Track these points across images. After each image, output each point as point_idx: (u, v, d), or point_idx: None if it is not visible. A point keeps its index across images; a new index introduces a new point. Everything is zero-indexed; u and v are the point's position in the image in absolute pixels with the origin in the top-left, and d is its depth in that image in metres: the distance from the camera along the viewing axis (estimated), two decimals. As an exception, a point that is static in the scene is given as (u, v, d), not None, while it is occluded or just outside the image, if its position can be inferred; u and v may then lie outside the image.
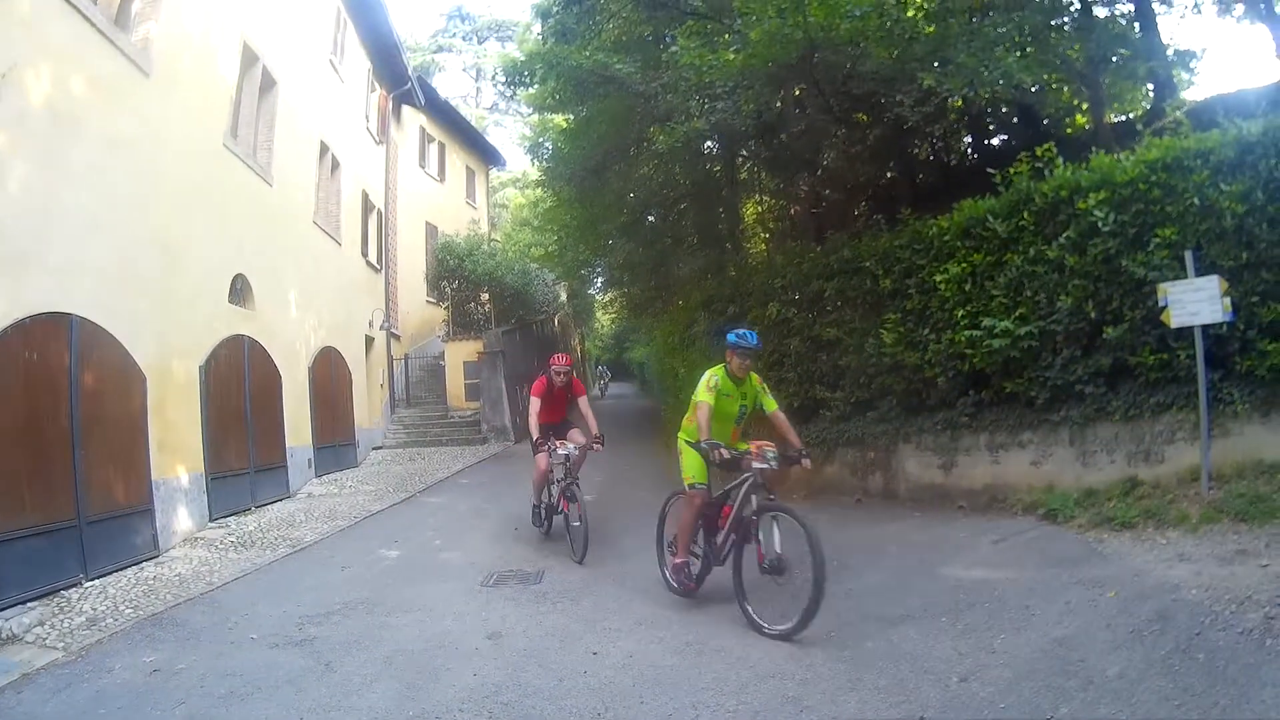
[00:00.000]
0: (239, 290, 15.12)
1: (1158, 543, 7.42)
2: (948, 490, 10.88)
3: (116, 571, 10.23)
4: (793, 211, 20.19)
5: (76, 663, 7.26)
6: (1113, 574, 6.84)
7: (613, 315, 45.89)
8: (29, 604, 8.63)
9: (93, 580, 9.77)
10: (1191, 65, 15.06)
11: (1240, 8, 14.95)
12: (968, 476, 10.65)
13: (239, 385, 14.64)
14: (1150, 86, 14.83)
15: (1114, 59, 13.04)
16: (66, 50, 10.09)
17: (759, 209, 22.56)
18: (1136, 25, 13.63)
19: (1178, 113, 11.13)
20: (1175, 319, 8.14)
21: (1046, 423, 9.65)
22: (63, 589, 9.28)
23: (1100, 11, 14.09)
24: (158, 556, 11.16)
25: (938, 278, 10.57)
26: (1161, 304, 8.28)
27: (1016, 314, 9.67)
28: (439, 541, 12.01)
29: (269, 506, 15.08)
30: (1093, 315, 9.04)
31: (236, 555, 11.49)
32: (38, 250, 9.46)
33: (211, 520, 13.20)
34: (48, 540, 9.25)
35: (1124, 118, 15.64)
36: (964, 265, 10.27)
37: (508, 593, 9.01)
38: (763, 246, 21.72)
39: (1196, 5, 15.52)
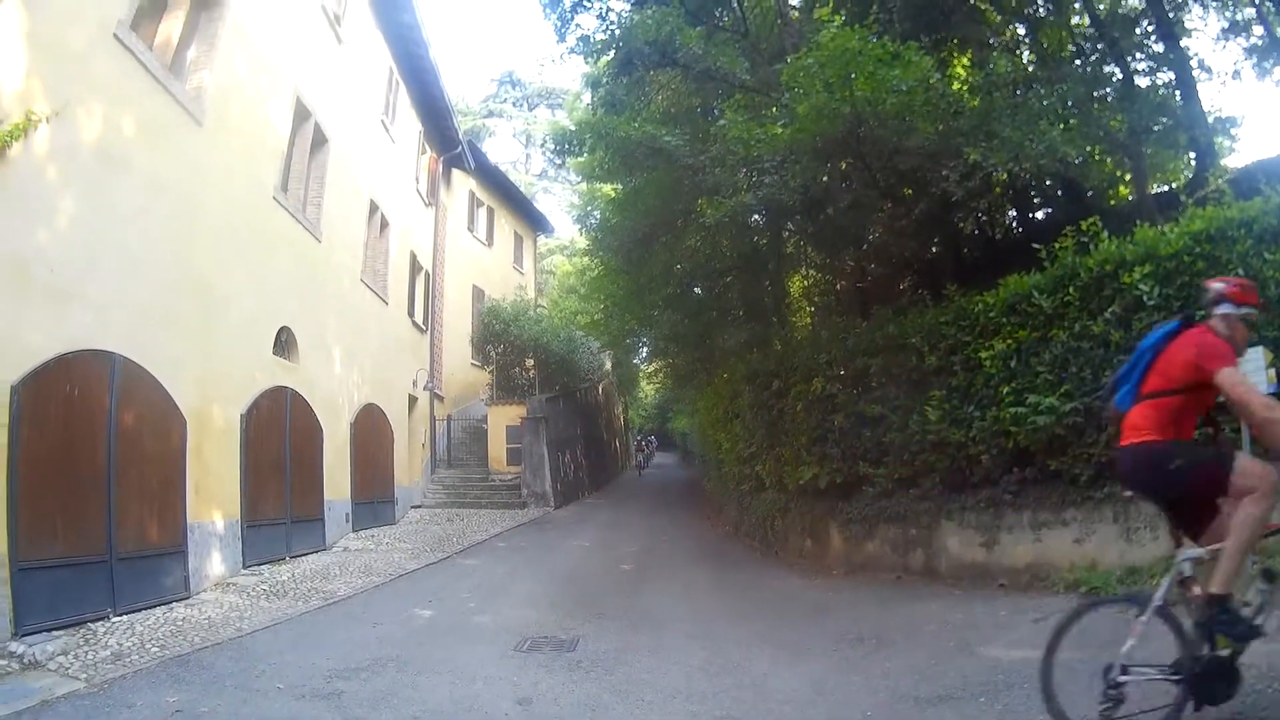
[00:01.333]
0: (283, 342, 15.32)
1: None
2: (989, 568, 10.67)
3: (145, 609, 10.27)
4: (838, 286, 20.20)
5: (98, 695, 7.27)
6: (1153, 654, 6.70)
7: (656, 385, 45.90)
8: (54, 632, 8.68)
9: (120, 615, 9.81)
10: (1232, 132, 15.04)
11: (1279, 71, 14.94)
12: (1010, 554, 10.45)
13: (279, 436, 14.75)
14: (1192, 155, 14.77)
15: (1156, 128, 12.95)
16: (119, 92, 10.35)
17: (804, 283, 22.59)
18: (1177, 94, 13.61)
19: (1219, 181, 11.06)
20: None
21: (1090, 500, 9.45)
22: (89, 621, 9.33)
23: (1141, 81, 14.10)
24: (188, 598, 11.22)
25: (983, 354, 10.50)
26: (1206, 377, 8.14)
27: (1062, 390, 9.54)
28: (473, 604, 11.93)
29: (304, 558, 15.10)
30: (1139, 390, 8.89)
31: (268, 604, 11.49)
32: (82, 286, 9.64)
33: (245, 567, 13.25)
34: (77, 572, 9.33)
35: (1166, 187, 15.63)
36: (1009, 342, 10.20)
37: (540, 659, 8.91)
38: (808, 320, 21.77)
39: (1236, 71, 15.54)
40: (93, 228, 9.84)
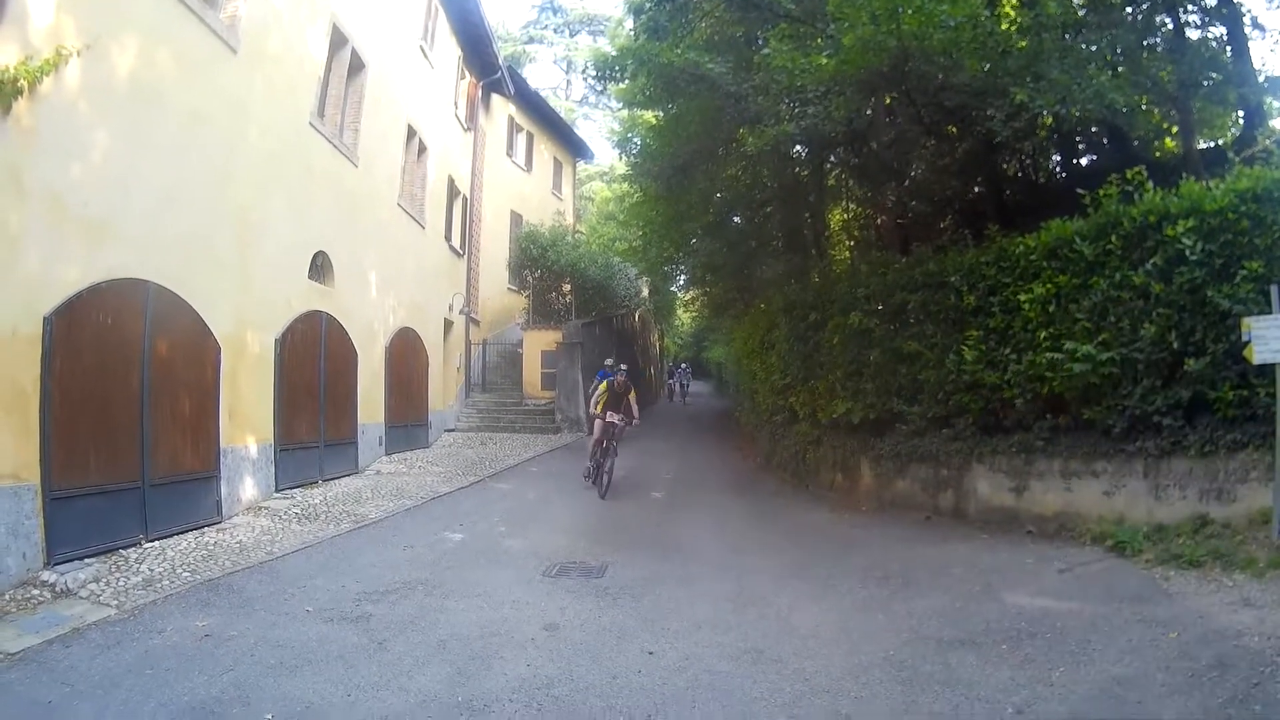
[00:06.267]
0: (319, 267, 15.38)
1: (1224, 585, 7.22)
2: (1018, 514, 10.71)
3: (177, 534, 10.45)
4: (879, 221, 19.98)
5: (128, 621, 7.44)
6: (1176, 614, 6.72)
7: (693, 314, 45.72)
8: (86, 560, 8.84)
9: (153, 542, 9.97)
10: (1282, 93, 14.70)
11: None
12: (1039, 502, 10.47)
13: (314, 360, 14.86)
14: (1240, 113, 14.42)
15: (1205, 83, 12.68)
16: (152, 23, 10.29)
17: (845, 216, 22.35)
18: (1228, 50, 13.25)
19: (1268, 141, 10.85)
20: (1257, 355, 7.89)
21: (1122, 453, 9.43)
22: (121, 548, 9.50)
23: (1192, 34, 13.75)
24: (220, 523, 11.39)
25: (1022, 297, 10.41)
26: (1244, 338, 8.02)
27: (1099, 339, 9.47)
28: (504, 528, 12.11)
29: (336, 481, 15.28)
30: (1175, 346, 8.82)
31: (299, 527, 11.68)
32: (117, 219, 9.69)
33: (277, 491, 13.45)
34: (109, 500, 9.48)
35: (1213, 144, 15.28)
36: (1049, 286, 10.11)
37: (568, 584, 9.08)
38: (847, 254, 21.52)
39: (1289, 30, 15.16)
40: (127, 159, 9.85)
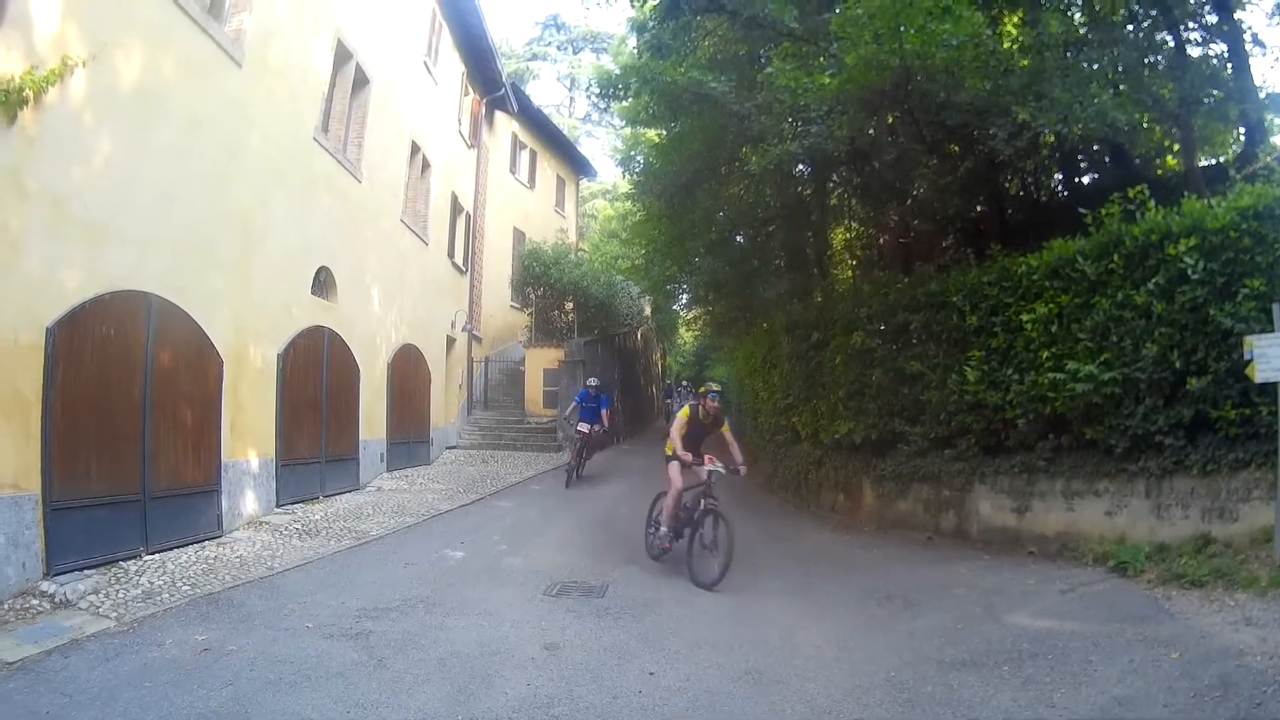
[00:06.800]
0: (322, 282, 15.40)
1: (1226, 604, 7.17)
2: (1019, 534, 10.71)
3: (178, 548, 10.43)
4: (881, 240, 20.00)
5: (127, 634, 7.41)
6: (1178, 634, 6.67)
7: (695, 332, 45.65)
8: (86, 571, 8.84)
9: (153, 554, 9.96)
10: (1283, 110, 14.71)
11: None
12: (1041, 522, 10.46)
13: (316, 375, 14.86)
14: (1241, 130, 14.45)
15: (1206, 100, 12.69)
16: (157, 35, 10.32)
17: (847, 236, 22.33)
18: (1229, 66, 13.27)
19: (1269, 158, 10.85)
20: (1260, 374, 7.86)
21: (1124, 472, 9.42)
22: (121, 560, 9.48)
23: (1194, 51, 13.78)
24: (220, 537, 11.38)
25: (1024, 317, 10.40)
26: (1247, 357, 8.00)
27: (1101, 359, 9.45)
28: (505, 546, 12.07)
29: (337, 497, 15.26)
30: (1177, 365, 8.79)
31: (300, 542, 11.67)
32: (119, 226, 9.69)
33: (278, 506, 13.45)
34: (110, 511, 9.47)
35: (1215, 161, 15.30)
36: (1051, 306, 10.10)
37: (569, 603, 9.02)
38: (849, 274, 21.52)
39: (1290, 47, 15.15)
40: (130, 170, 9.87)
